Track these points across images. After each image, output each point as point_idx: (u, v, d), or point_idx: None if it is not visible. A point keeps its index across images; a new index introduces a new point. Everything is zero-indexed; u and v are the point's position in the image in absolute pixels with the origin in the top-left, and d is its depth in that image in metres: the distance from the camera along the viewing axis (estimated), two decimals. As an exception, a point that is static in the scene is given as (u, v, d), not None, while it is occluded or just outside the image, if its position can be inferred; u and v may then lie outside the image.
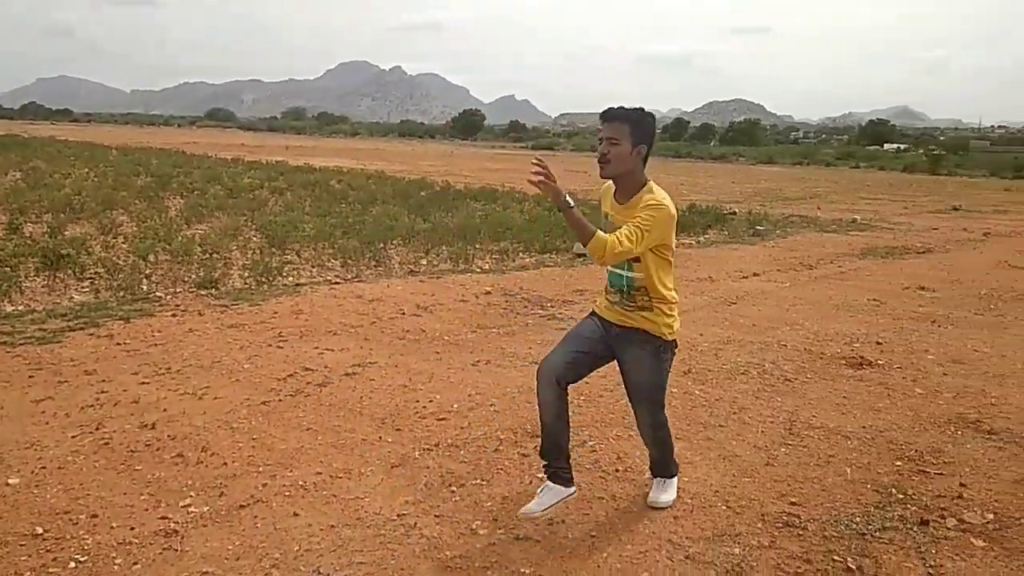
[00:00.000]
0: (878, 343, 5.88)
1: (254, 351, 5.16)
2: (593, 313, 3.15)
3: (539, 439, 3.12)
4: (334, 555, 2.76)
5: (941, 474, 3.57)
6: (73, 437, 3.69)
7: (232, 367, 4.82)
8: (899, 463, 3.68)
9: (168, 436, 3.74)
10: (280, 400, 4.28)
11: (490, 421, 4.07)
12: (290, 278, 7.75)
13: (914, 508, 3.22)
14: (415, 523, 3.00)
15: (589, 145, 60.29)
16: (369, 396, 4.39)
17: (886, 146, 70.68)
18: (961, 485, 3.45)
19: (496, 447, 3.74)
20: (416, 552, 2.80)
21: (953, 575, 2.73)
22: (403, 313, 6.37)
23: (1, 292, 6.27)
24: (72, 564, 2.66)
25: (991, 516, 3.17)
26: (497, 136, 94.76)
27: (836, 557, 2.82)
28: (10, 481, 3.21)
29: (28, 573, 2.60)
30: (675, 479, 3.27)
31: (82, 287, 7.06)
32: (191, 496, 3.16)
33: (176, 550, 2.76)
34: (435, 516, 3.07)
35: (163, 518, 2.97)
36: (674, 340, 3.04)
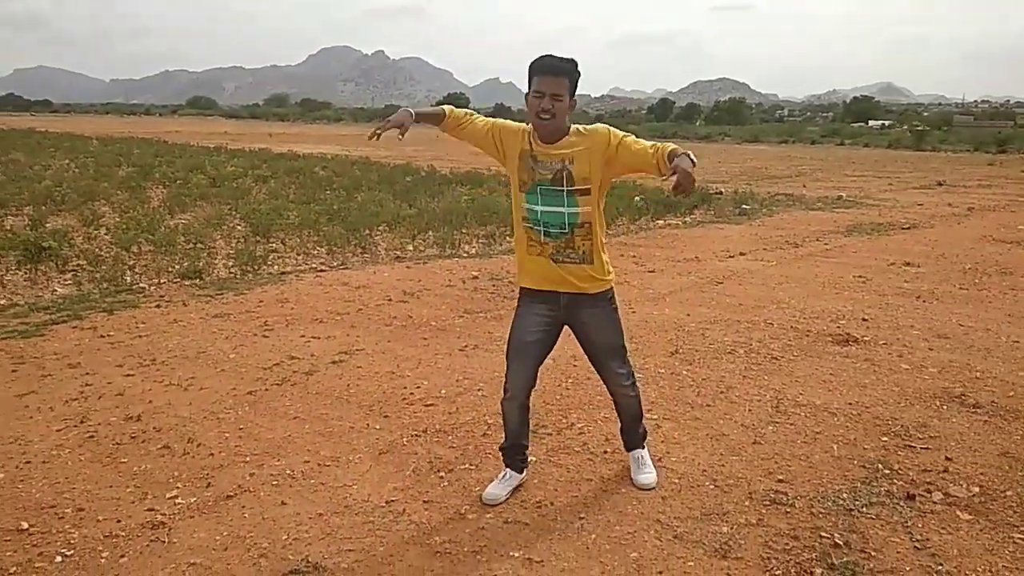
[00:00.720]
0: (864, 319, 5.91)
1: (240, 341, 5.13)
2: (526, 296, 3.02)
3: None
4: (323, 543, 2.75)
5: (927, 448, 3.59)
6: (58, 431, 3.66)
7: (218, 357, 4.78)
8: (885, 438, 3.70)
9: (154, 428, 3.71)
10: (266, 389, 4.26)
11: (478, 406, 4.07)
12: (275, 266, 7.71)
13: (900, 483, 3.24)
14: (404, 509, 3.00)
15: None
16: (356, 383, 4.38)
17: (871, 123, 70.92)
18: (947, 459, 3.47)
19: (484, 432, 3.73)
20: (405, 538, 2.80)
21: (940, 548, 2.75)
22: (390, 300, 6.35)
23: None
24: (58, 558, 2.64)
25: (976, 489, 3.19)
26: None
27: (823, 533, 2.84)
28: (-6, 477, 3.19)
29: (14, 568, 2.58)
30: (648, 451, 3.32)
31: (64, 280, 6.99)
32: (178, 487, 3.14)
33: (163, 542, 2.75)
34: (424, 502, 3.06)
35: (150, 510, 2.95)
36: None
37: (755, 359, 4.92)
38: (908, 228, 11.29)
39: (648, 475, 3.23)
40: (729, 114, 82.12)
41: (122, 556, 2.66)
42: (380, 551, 2.71)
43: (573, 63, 2.79)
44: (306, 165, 19.30)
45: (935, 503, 3.08)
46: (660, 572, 2.60)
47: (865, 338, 5.39)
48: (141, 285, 6.70)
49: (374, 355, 4.89)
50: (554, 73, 2.75)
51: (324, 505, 3.02)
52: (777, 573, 2.60)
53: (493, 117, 3.14)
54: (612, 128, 2.87)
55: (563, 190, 2.81)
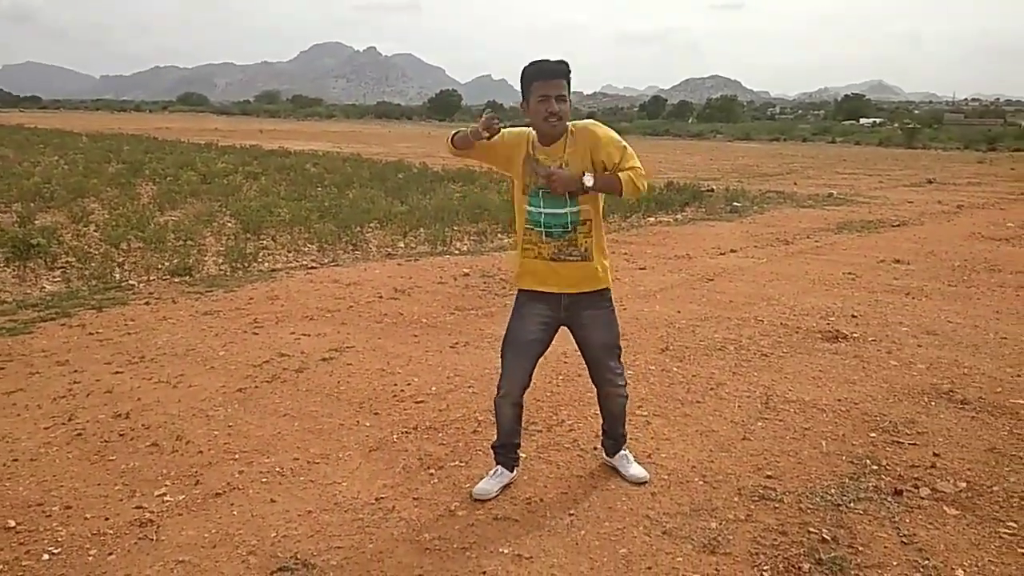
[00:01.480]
0: (853, 316, 5.93)
1: (229, 338, 5.11)
2: (525, 296, 3.03)
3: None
4: (312, 540, 2.75)
5: (915, 444, 3.61)
6: (45, 428, 3.64)
7: (207, 354, 4.77)
8: (873, 434, 3.72)
9: (142, 425, 3.70)
10: (256, 387, 4.25)
11: (468, 403, 4.06)
12: (265, 263, 7.69)
13: (888, 478, 3.26)
14: (393, 506, 3.00)
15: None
16: (347, 381, 4.37)
17: (862, 120, 71.14)
18: (934, 455, 3.49)
19: (475, 428, 3.73)
20: (395, 535, 2.80)
21: (926, 543, 2.77)
22: (380, 296, 6.34)
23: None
24: (46, 556, 2.63)
25: (964, 484, 3.21)
26: (475, 116, 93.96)
27: (811, 529, 2.85)
28: (-19, 475, 3.17)
29: (0, 567, 2.57)
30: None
31: (53, 277, 6.96)
32: (166, 485, 3.13)
33: (151, 539, 2.74)
34: (413, 499, 3.06)
35: (138, 508, 2.94)
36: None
37: (745, 356, 4.93)
38: (898, 225, 11.34)
39: (640, 468, 3.24)
40: (721, 112, 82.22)
41: (110, 554, 2.65)
42: (370, 548, 2.71)
43: (567, 64, 2.85)
44: (297, 162, 19.24)
45: (922, 498, 3.10)
46: (649, 568, 2.61)
47: (854, 335, 5.41)
48: (130, 282, 6.67)
49: (364, 352, 4.88)
50: (555, 76, 2.81)
51: (313, 502, 3.01)
52: (765, 568, 2.61)
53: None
54: (598, 127, 2.90)
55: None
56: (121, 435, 3.59)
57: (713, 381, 4.45)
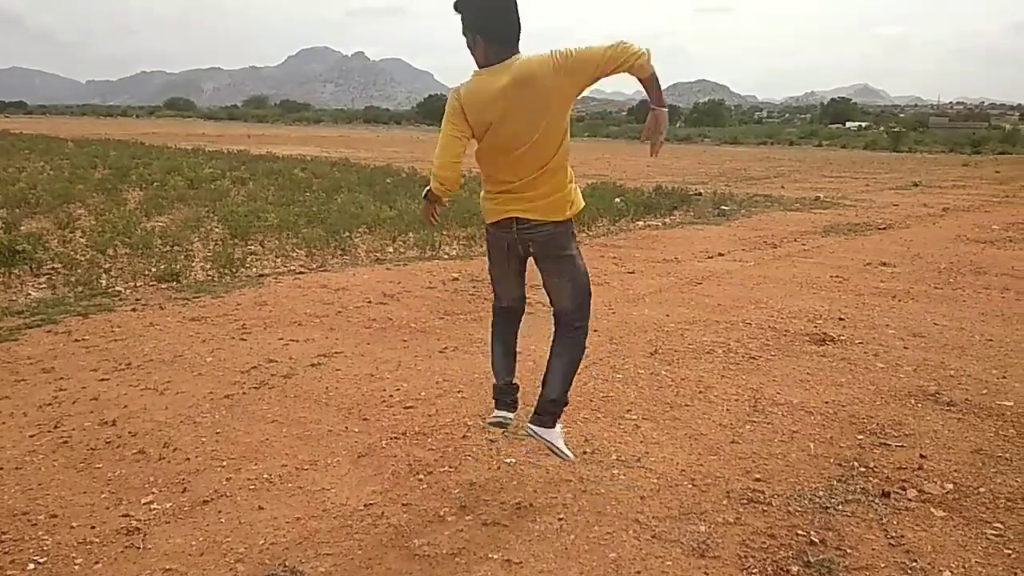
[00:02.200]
0: (840, 319, 5.96)
1: (217, 344, 5.08)
2: (494, 228, 3.07)
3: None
4: (300, 547, 2.74)
5: (902, 446, 3.63)
6: (31, 436, 3.61)
7: (194, 361, 4.74)
8: (861, 437, 3.74)
9: (129, 433, 3.67)
10: (244, 393, 4.23)
11: (458, 408, 4.06)
12: (253, 269, 7.66)
13: (876, 480, 3.28)
14: (382, 512, 2.99)
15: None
16: (335, 386, 4.36)
17: (848, 124, 71.65)
18: (921, 456, 3.51)
19: (464, 434, 3.73)
20: (384, 541, 2.79)
21: (914, 545, 2.78)
22: (369, 302, 6.33)
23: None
24: (31, 565, 2.60)
25: (950, 486, 3.23)
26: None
27: (800, 531, 2.86)
28: (-35, 484, 3.14)
29: (-15, 577, 2.55)
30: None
31: (39, 283, 6.90)
32: (153, 493, 3.11)
33: (138, 548, 2.72)
34: (402, 505, 3.05)
35: (125, 516, 2.92)
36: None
37: (733, 359, 4.95)
38: (884, 228, 11.41)
39: (562, 442, 3.12)
40: (709, 116, 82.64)
41: (96, 563, 2.63)
42: (358, 555, 2.70)
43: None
44: (285, 167, 19.18)
45: (910, 500, 3.11)
46: (638, 572, 2.61)
47: (841, 337, 5.44)
48: (117, 288, 6.63)
49: (353, 358, 4.87)
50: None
51: (302, 509, 3.00)
52: (754, 572, 2.61)
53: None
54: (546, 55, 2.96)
55: None
56: (107, 443, 3.56)
57: (702, 384, 4.46)
